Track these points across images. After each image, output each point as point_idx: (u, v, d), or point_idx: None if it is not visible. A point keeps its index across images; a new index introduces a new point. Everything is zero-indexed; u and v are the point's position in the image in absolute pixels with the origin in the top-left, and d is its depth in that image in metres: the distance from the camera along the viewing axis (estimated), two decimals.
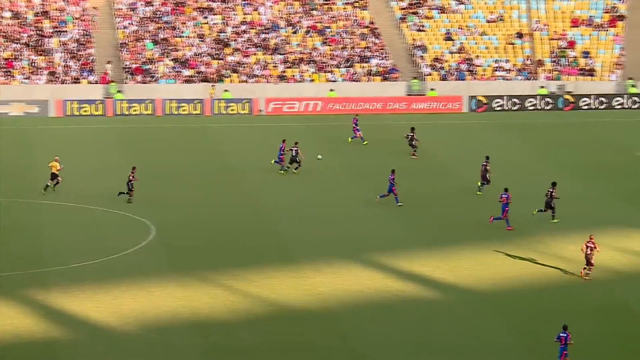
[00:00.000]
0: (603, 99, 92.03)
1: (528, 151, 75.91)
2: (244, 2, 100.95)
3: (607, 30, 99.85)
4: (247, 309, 44.84)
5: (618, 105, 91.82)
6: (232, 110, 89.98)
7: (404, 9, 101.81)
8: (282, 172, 67.54)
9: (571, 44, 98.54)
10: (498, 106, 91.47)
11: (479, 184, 63.26)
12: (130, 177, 60.65)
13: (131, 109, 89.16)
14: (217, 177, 67.27)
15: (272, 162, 67.83)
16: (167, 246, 53.27)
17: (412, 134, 73.02)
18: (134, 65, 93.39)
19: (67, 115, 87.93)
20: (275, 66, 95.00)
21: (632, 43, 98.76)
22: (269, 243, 53.92)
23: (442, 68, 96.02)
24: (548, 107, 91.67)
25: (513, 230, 55.49)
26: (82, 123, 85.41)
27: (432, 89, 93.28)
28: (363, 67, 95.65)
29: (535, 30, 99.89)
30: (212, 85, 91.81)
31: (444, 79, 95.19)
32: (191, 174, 68.53)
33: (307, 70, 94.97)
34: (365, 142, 75.94)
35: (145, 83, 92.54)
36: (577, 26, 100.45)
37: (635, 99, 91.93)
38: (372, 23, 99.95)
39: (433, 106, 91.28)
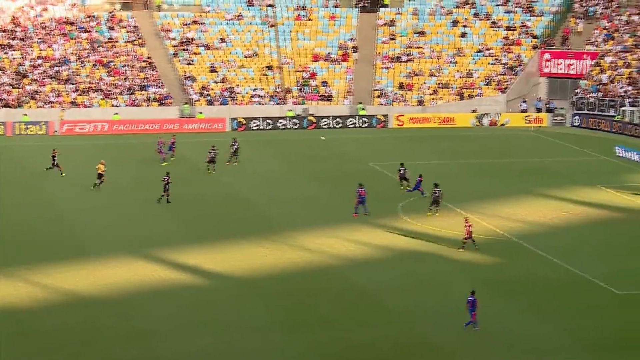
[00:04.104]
0: (339, 119, 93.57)
1: (280, 162, 76.55)
2: (39, 40, 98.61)
3: (340, 64, 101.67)
4: (46, 297, 43.86)
5: (351, 124, 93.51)
6: (31, 131, 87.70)
7: (175, 46, 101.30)
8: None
9: (313, 75, 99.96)
10: (255, 126, 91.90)
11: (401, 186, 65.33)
12: (167, 180, 61.02)
13: None
14: (21, 187, 65.36)
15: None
16: None
17: (234, 143, 73.78)
18: None
19: None
20: (67, 94, 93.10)
21: (360, 74, 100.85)
22: (66, 242, 52.78)
23: (208, 95, 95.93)
24: (295, 127, 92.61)
25: (357, 217, 57.71)
26: None
27: (200, 112, 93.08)
28: (142, 94, 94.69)
29: (283, 64, 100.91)
30: (62, 109, 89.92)
31: (210, 103, 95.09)
32: None
33: (95, 97, 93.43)
34: (170, 159, 74.83)
35: None
36: (317, 61, 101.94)
37: (364, 119, 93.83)
38: (149, 58, 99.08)
39: (202, 126, 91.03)
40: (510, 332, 40.35)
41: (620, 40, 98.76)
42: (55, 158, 68.36)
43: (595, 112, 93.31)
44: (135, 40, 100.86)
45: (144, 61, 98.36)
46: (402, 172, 65.63)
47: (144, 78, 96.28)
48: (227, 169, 71.89)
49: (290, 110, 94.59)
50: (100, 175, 65.01)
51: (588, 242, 54.00)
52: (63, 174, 65.38)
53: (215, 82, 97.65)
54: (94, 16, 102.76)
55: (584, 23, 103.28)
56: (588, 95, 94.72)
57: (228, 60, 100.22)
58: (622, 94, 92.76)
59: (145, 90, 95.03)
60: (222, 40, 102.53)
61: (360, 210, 58.31)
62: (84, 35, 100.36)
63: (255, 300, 44.15)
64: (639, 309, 43.65)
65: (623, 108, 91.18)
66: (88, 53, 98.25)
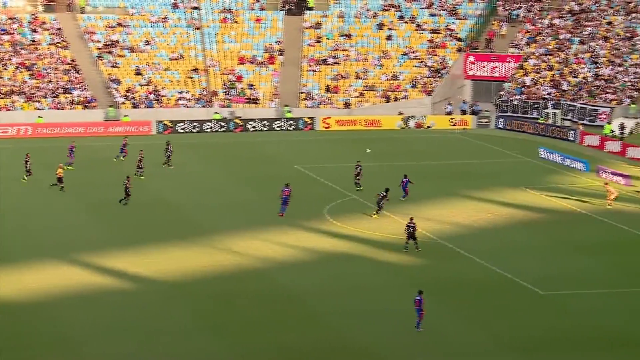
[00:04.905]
0: (266, 122, 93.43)
1: (206, 165, 76.20)
2: None
3: (266, 67, 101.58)
4: None
5: (278, 127, 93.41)
6: None
7: (100, 48, 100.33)
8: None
9: (239, 78, 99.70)
10: (181, 129, 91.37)
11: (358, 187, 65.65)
12: (127, 185, 60.86)
13: None
14: None
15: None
16: None
17: (169, 147, 73.60)
18: None
19: None
20: None
21: (286, 76, 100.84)
22: None
23: (133, 98, 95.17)
24: (222, 130, 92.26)
25: (283, 216, 58.09)
26: None
27: (125, 115, 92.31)
28: (66, 97, 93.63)
29: (209, 66, 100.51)
30: None
31: (135, 107, 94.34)
32: None
33: (18, 101, 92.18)
34: (120, 159, 74.83)
35: None
36: (243, 63, 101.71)
37: (291, 122, 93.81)
38: (74, 60, 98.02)
39: (127, 129, 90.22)
40: (438, 334, 40.59)
41: (543, 43, 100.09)
42: (29, 162, 68.20)
43: (519, 115, 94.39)
44: (58, 42, 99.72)
45: (67, 64, 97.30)
46: (358, 170, 66.00)
47: (68, 81, 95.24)
48: (154, 172, 71.35)
49: (217, 113, 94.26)
50: (60, 180, 64.82)
51: (513, 244, 54.56)
52: (24, 180, 67.02)
53: (141, 85, 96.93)
54: (16, 18, 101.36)
55: (508, 26, 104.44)
56: (512, 98, 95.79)
57: (153, 63, 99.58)
58: (545, 96, 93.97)
59: (69, 93, 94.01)
60: (147, 42, 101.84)
61: (285, 210, 58.50)
62: (6, 37, 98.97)
63: (182, 303, 43.94)
64: (563, 309, 44.22)
65: (546, 110, 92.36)
66: (10, 55, 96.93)
